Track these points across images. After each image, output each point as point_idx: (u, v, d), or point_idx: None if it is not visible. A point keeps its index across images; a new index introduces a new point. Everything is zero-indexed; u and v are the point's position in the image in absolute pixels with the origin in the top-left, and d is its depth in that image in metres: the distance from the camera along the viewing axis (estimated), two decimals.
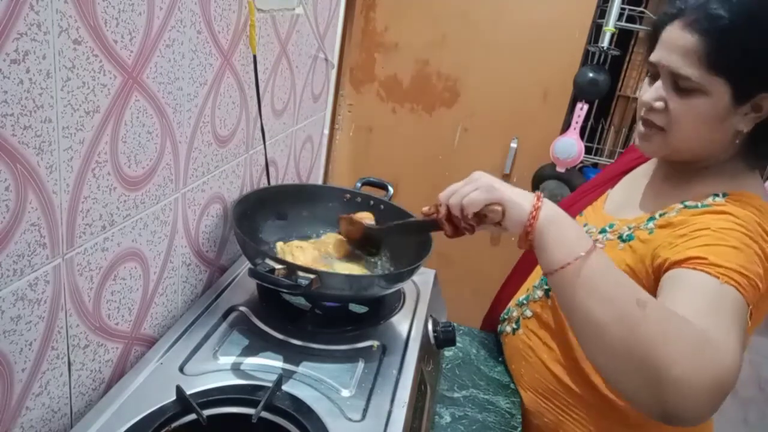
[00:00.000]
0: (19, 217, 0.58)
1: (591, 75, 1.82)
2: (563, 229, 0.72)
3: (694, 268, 0.73)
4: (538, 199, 0.73)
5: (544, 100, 1.96)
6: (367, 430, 0.72)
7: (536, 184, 1.98)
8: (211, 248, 1.02)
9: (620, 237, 0.92)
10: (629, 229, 0.92)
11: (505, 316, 1.15)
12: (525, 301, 1.09)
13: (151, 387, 0.75)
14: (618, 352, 0.66)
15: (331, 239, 1.05)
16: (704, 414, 0.63)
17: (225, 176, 1.02)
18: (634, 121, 2.00)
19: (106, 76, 0.66)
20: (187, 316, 0.90)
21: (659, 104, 0.84)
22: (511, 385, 1.10)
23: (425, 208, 0.82)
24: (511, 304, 1.15)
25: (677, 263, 0.76)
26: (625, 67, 1.96)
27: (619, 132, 2.03)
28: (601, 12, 1.84)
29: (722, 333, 0.66)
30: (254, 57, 1.00)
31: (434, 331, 0.98)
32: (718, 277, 0.71)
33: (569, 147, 1.87)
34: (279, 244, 1.01)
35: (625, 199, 1.03)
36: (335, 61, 1.74)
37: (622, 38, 1.89)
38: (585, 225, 1.02)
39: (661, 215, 0.89)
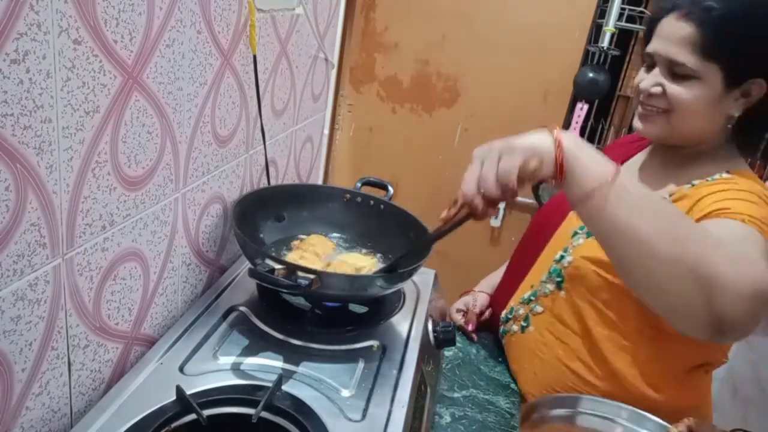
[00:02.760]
0: (19, 217, 0.58)
1: (591, 75, 1.82)
2: (589, 150, 0.71)
3: (718, 216, 0.82)
4: (551, 128, 0.71)
5: (544, 100, 1.96)
6: (367, 430, 0.72)
7: (536, 183, 1.98)
8: (211, 248, 1.02)
9: None
10: None
11: (509, 316, 1.14)
12: (533, 298, 1.08)
13: (151, 387, 0.75)
14: (668, 263, 0.67)
15: (315, 240, 1.06)
16: (748, 320, 0.67)
17: (225, 176, 1.02)
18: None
19: (106, 76, 0.66)
20: (187, 316, 0.90)
21: (657, 89, 0.92)
22: (512, 385, 1.10)
23: (444, 214, 0.77)
24: (513, 303, 1.15)
25: (703, 217, 0.84)
26: (625, 67, 1.96)
27: (619, 132, 2.03)
28: (601, 12, 1.84)
29: (753, 253, 0.74)
30: (254, 57, 1.00)
31: (434, 331, 0.98)
32: (743, 220, 0.79)
33: None
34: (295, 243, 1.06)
35: None
36: (335, 61, 1.74)
37: (622, 38, 1.89)
38: None
39: (670, 195, 0.95)
